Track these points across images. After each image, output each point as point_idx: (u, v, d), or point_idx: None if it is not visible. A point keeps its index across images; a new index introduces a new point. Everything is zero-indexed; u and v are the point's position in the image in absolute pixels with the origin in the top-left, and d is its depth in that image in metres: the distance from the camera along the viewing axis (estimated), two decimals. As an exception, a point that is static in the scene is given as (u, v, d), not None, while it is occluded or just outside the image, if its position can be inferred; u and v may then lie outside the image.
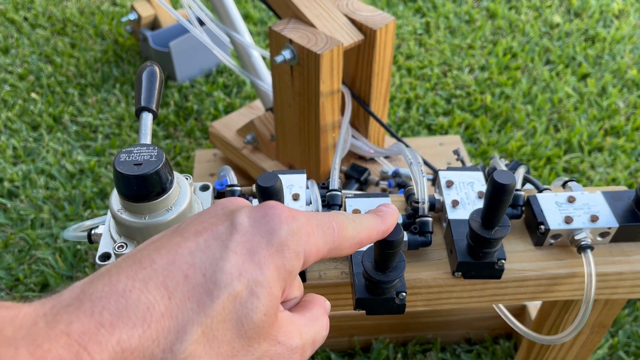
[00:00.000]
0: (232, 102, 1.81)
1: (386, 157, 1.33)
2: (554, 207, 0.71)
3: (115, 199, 0.64)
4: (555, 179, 0.79)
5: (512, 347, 1.20)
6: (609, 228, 0.69)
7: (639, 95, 1.83)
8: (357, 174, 1.24)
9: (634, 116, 1.74)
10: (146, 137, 0.66)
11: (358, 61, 1.17)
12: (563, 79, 1.90)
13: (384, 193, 1.02)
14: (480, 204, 0.71)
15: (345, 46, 1.09)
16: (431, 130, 1.73)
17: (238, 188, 0.73)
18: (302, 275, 0.66)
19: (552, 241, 0.71)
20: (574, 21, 2.16)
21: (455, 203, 0.71)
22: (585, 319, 0.68)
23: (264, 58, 1.45)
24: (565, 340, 0.71)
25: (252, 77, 1.37)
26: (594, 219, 0.69)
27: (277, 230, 0.37)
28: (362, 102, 1.23)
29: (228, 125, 1.46)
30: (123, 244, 0.63)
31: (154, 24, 1.97)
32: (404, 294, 0.62)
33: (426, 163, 1.12)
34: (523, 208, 0.73)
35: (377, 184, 1.23)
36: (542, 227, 0.69)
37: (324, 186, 0.76)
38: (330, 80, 1.08)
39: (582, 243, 0.68)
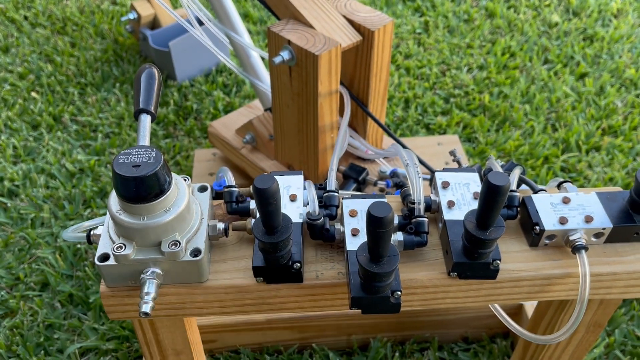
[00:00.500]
0: (231, 102, 1.82)
1: (384, 157, 1.33)
2: (549, 208, 0.71)
3: (114, 200, 0.64)
4: (551, 180, 0.79)
5: (509, 346, 1.21)
6: (604, 229, 0.70)
7: (637, 95, 1.84)
8: (355, 174, 1.25)
9: (632, 115, 1.75)
10: (145, 139, 0.66)
11: (356, 62, 1.18)
12: (561, 79, 1.90)
13: (380, 194, 1.03)
14: (476, 204, 0.71)
15: (344, 47, 1.09)
16: (429, 130, 1.74)
17: (236, 189, 0.74)
18: (299, 276, 0.67)
19: (547, 242, 0.71)
20: (572, 20, 2.16)
21: (451, 204, 0.72)
22: (579, 319, 0.68)
23: (263, 59, 1.45)
24: (560, 340, 0.72)
25: (251, 78, 1.38)
26: (588, 219, 0.70)
27: None
28: (360, 102, 1.23)
29: (227, 125, 1.47)
30: (122, 244, 0.64)
31: (154, 24, 1.98)
32: (399, 292, 0.63)
33: (423, 163, 1.13)
34: (518, 209, 0.74)
35: (375, 184, 1.24)
36: (537, 227, 0.70)
37: (321, 187, 0.77)
38: (329, 81, 1.08)
39: (577, 244, 0.69)
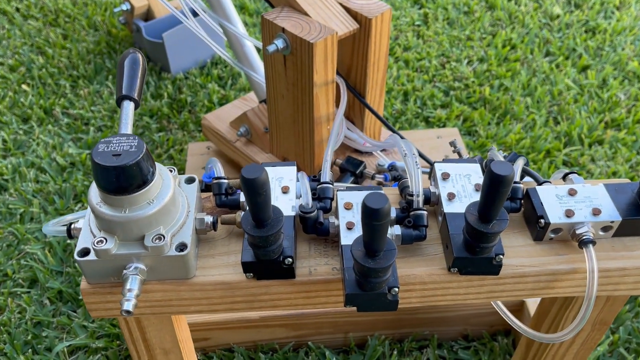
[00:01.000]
0: (226, 94, 1.78)
1: (382, 150, 1.30)
2: (554, 200, 0.68)
3: (94, 192, 0.61)
4: (556, 171, 0.76)
5: (511, 344, 1.18)
6: (612, 222, 0.66)
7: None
8: (352, 167, 1.21)
9: (635, 108, 1.71)
10: (127, 127, 0.63)
11: (353, 51, 1.14)
12: (563, 71, 1.86)
13: (377, 186, 0.99)
14: (477, 197, 0.68)
15: (340, 35, 1.05)
16: (429, 123, 1.70)
17: (225, 181, 0.70)
18: (292, 272, 0.64)
19: (552, 236, 0.68)
20: (574, 12, 2.12)
21: (451, 196, 0.68)
22: (586, 317, 0.65)
23: (258, 50, 1.42)
24: (565, 339, 0.69)
25: (245, 69, 1.34)
26: (596, 212, 0.66)
27: None
28: (357, 93, 1.19)
29: (221, 118, 1.43)
30: (103, 239, 0.60)
31: (147, 15, 1.94)
32: (397, 289, 0.59)
33: (422, 156, 1.09)
34: (522, 201, 0.70)
35: (372, 177, 1.20)
36: (542, 221, 0.66)
37: (315, 179, 0.73)
38: (325, 70, 1.04)
39: (584, 237, 0.65)
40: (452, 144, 0.85)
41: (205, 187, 0.78)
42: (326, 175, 0.72)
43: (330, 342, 1.19)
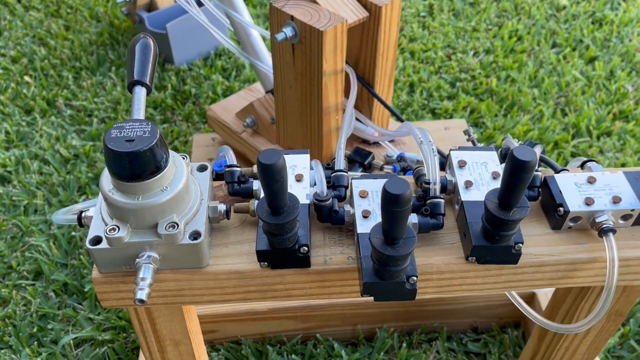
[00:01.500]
0: (231, 86, 1.77)
1: (391, 141, 1.28)
2: (573, 188, 0.67)
3: (106, 179, 0.59)
4: (573, 159, 0.75)
5: (521, 336, 1.17)
6: (632, 210, 0.65)
7: (648, 79, 1.79)
8: (360, 158, 1.20)
9: (644, 100, 1.70)
10: (139, 112, 0.61)
11: (362, 40, 1.13)
12: (570, 62, 1.85)
13: (393, 174, 0.98)
14: (495, 184, 0.67)
15: (350, 23, 1.04)
16: (435, 115, 1.69)
17: (238, 168, 0.69)
18: (307, 260, 0.62)
19: (571, 224, 0.67)
20: (580, 3, 2.10)
21: (468, 184, 0.67)
22: (606, 307, 0.64)
23: (264, 39, 1.40)
24: (583, 329, 0.68)
25: (252, 59, 1.32)
26: (616, 200, 0.65)
27: None
28: (366, 83, 1.18)
29: (227, 109, 1.41)
30: (115, 226, 0.59)
31: (151, 6, 1.92)
32: (415, 278, 0.58)
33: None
34: (540, 189, 0.69)
35: (381, 168, 1.19)
36: (561, 209, 0.65)
37: (328, 167, 0.72)
38: (334, 59, 1.03)
39: (604, 226, 0.64)
40: (467, 132, 0.83)
41: (216, 176, 0.77)
42: (340, 163, 0.70)
43: (339, 334, 1.18)
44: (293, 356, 1.14)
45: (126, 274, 0.62)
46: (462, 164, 0.69)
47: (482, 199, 0.63)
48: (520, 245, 0.62)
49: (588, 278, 0.67)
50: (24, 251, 1.33)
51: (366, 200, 0.65)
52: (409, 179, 0.74)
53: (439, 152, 1.11)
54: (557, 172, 0.71)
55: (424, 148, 0.70)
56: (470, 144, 0.90)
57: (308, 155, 0.71)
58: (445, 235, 0.67)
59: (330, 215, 0.65)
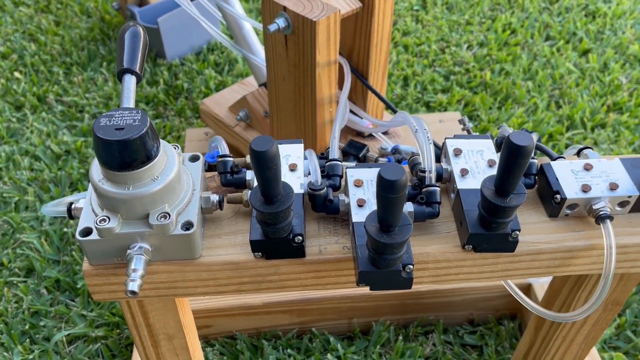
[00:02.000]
0: (223, 80, 1.75)
1: (385, 134, 1.28)
2: (569, 175, 0.66)
3: (96, 169, 0.58)
4: (569, 147, 0.74)
5: (517, 328, 1.16)
6: (629, 197, 0.65)
7: (641, 71, 1.79)
8: (355, 151, 1.19)
9: (637, 92, 1.70)
10: (129, 101, 0.60)
11: (356, 31, 1.12)
12: (564, 55, 1.85)
13: (388, 162, 0.97)
14: (491, 172, 0.66)
15: (343, 14, 1.03)
16: (430, 108, 1.68)
17: (230, 159, 0.68)
18: (302, 250, 0.61)
19: (568, 212, 0.66)
20: (574, -4, 2.10)
21: (464, 172, 0.66)
22: (604, 295, 0.63)
23: (257, 34, 1.39)
24: (580, 318, 0.67)
25: (244, 51, 1.31)
26: (613, 187, 0.65)
27: None
28: (359, 75, 1.17)
29: (220, 102, 1.40)
30: (105, 217, 0.58)
31: (141, 0, 1.90)
32: (411, 266, 0.57)
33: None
34: (536, 177, 0.68)
35: (376, 160, 1.18)
36: (558, 196, 0.65)
37: (322, 156, 0.71)
38: (327, 50, 1.02)
39: (601, 213, 0.63)
40: (462, 121, 0.82)
41: (209, 168, 0.76)
42: (334, 152, 0.70)
43: (335, 328, 1.17)
44: (289, 350, 1.13)
45: (117, 266, 0.61)
46: (457, 152, 0.68)
47: (478, 186, 0.62)
48: (517, 232, 0.61)
49: (585, 266, 0.66)
50: (15, 248, 1.31)
51: (361, 189, 0.64)
52: (404, 168, 0.73)
53: (434, 144, 1.10)
54: (554, 159, 0.70)
55: (419, 136, 0.69)
56: (465, 134, 0.89)
57: (302, 145, 0.70)
58: (441, 224, 0.66)
59: (324, 205, 0.64)
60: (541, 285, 1.12)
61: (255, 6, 2.07)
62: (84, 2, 2.07)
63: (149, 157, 0.56)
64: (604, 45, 1.88)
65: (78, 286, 1.23)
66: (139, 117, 0.55)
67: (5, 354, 1.13)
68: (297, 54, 1.03)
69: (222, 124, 1.37)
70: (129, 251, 0.59)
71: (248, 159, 0.69)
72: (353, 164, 0.72)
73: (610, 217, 0.63)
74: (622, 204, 0.66)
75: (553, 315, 0.70)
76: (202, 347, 1.13)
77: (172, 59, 1.84)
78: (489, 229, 0.60)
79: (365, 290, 0.61)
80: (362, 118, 1.20)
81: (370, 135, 1.26)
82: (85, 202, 0.62)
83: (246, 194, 0.65)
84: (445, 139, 0.70)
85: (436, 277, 0.66)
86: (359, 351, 1.14)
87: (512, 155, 0.53)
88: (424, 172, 0.66)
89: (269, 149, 0.52)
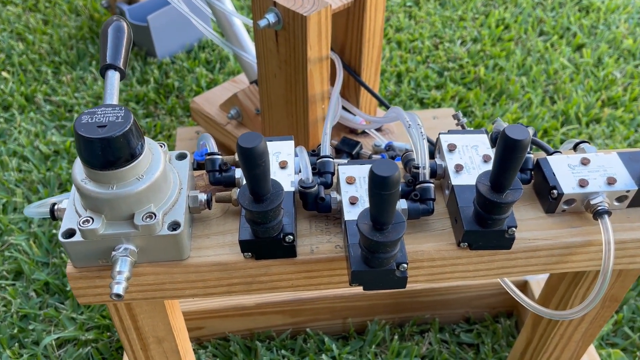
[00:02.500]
0: (215, 79, 1.73)
1: (378, 130, 1.26)
2: (566, 170, 0.65)
3: (78, 168, 0.56)
4: (566, 141, 0.73)
5: (514, 325, 1.15)
6: (627, 191, 0.63)
7: (635, 65, 1.78)
8: (348, 148, 1.17)
9: (632, 86, 1.69)
10: (112, 97, 0.58)
11: (347, 26, 1.10)
12: (558, 50, 1.84)
13: (380, 159, 0.95)
14: (486, 168, 0.64)
15: (334, 8, 1.01)
16: (424, 104, 1.67)
17: (219, 156, 0.66)
18: (292, 250, 0.60)
19: (565, 207, 0.65)
20: (567, -9, 2.09)
21: (459, 168, 0.64)
22: (602, 291, 0.62)
23: (248, 31, 1.37)
24: (578, 316, 0.66)
25: (235, 48, 1.29)
26: (611, 181, 0.63)
27: None
28: (352, 71, 1.15)
29: (210, 100, 1.38)
30: (89, 218, 0.56)
31: (131, -2, 1.88)
32: (405, 265, 0.56)
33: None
34: (532, 172, 0.67)
35: (369, 158, 1.16)
36: (555, 191, 0.63)
37: (314, 153, 0.69)
38: (319, 45, 1.00)
39: (599, 208, 0.62)
40: (456, 116, 0.81)
41: (197, 166, 0.74)
42: (326, 149, 0.68)
43: (329, 328, 1.15)
44: (283, 351, 1.11)
45: (102, 268, 0.59)
46: (452, 148, 0.67)
47: (473, 182, 0.61)
48: (514, 229, 0.59)
49: (583, 262, 0.65)
50: (3, 250, 1.29)
51: (353, 187, 0.63)
52: (398, 164, 0.71)
53: (428, 140, 1.09)
54: (550, 154, 0.69)
55: (413, 132, 0.67)
56: (459, 129, 0.88)
57: (292, 142, 0.68)
58: (435, 222, 0.64)
59: (316, 203, 0.63)
60: (538, 281, 1.11)
61: (246, 3, 2.05)
62: (73, 1, 2.04)
63: (133, 155, 0.54)
64: (597, 40, 1.87)
65: (67, 289, 1.21)
66: (122, 114, 0.53)
67: (-6, 358, 1.11)
68: (288, 50, 1.02)
69: (213, 122, 1.35)
70: (113, 253, 0.57)
71: (237, 156, 0.67)
72: (345, 160, 0.70)
73: (608, 213, 0.62)
74: (620, 199, 0.64)
75: (550, 313, 0.69)
76: (194, 349, 1.11)
77: (162, 57, 1.82)
78: (484, 225, 0.59)
79: (359, 289, 0.60)
80: (354, 115, 1.18)
81: (364, 133, 1.25)
82: (68, 202, 0.60)
83: (235, 192, 0.63)
84: (439, 134, 0.69)
85: (431, 276, 0.64)
86: (354, 351, 1.12)
87: (507, 150, 0.52)
88: (417, 168, 0.64)
89: (256, 145, 0.50)
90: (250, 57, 1.28)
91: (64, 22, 1.95)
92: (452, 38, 1.89)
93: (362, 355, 1.11)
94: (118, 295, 0.54)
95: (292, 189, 0.63)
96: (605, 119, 1.59)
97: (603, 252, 0.61)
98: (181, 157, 0.65)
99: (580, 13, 1.99)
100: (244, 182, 0.63)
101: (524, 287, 1.12)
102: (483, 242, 0.61)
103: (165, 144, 0.62)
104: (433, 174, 0.66)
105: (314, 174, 0.65)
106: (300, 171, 0.65)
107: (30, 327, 1.15)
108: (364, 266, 0.55)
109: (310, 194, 0.62)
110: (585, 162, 0.65)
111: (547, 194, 0.64)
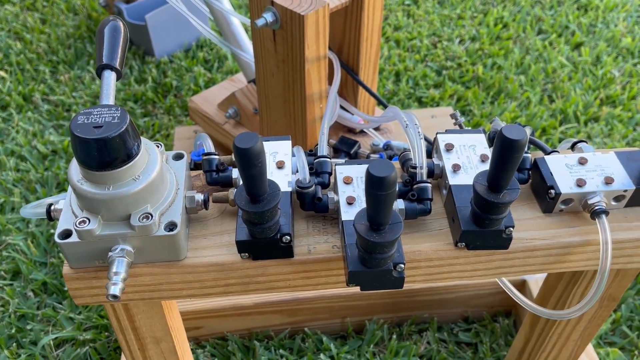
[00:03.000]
0: (213, 78, 1.73)
1: (377, 130, 1.26)
2: (564, 169, 0.65)
3: (74, 169, 0.56)
4: (563, 141, 0.72)
5: (512, 325, 1.15)
6: (625, 191, 0.63)
7: (634, 64, 1.78)
8: (346, 147, 1.17)
9: (630, 85, 1.69)
10: (109, 98, 0.58)
11: (345, 25, 1.10)
12: (556, 49, 1.83)
13: (377, 159, 0.95)
14: (483, 167, 0.64)
15: (332, 7, 1.01)
16: (422, 103, 1.66)
17: (216, 156, 0.66)
18: (290, 250, 0.60)
19: (563, 207, 0.64)
20: (565, -10, 2.09)
21: (456, 167, 0.64)
22: (600, 291, 0.62)
23: (246, 30, 1.37)
24: (576, 315, 0.66)
25: (233, 47, 1.29)
26: (608, 181, 0.63)
27: None
28: (350, 70, 1.15)
29: (209, 100, 1.38)
30: (85, 219, 0.56)
31: (129, -3, 1.87)
32: (402, 265, 0.56)
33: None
34: (530, 172, 0.67)
35: (367, 157, 1.16)
36: (552, 191, 0.63)
37: (311, 153, 0.69)
38: (317, 44, 1.00)
39: (597, 208, 0.62)
40: (453, 115, 0.81)
41: (195, 166, 0.74)
42: (323, 148, 0.68)
43: (328, 327, 1.15)
44: (281, 351, 1.11)
45: (99, 269, 0.59)
46: (449, 147, 0.67)
47: (471, 182, 0.61)
48: (511, 229, 0.59)
49: (581, 262, 0.65)
50: (0, 250, 1.28)
51: (350, 187, 0.63)
52: (395, 164, 0.71)
53: (426, 139, 1.09)
54: (547, 153, 0.69)
55: (410, 131, 0.67)
56: (457, 128, 0.87)
57: (290, 142, 0.68)
58: (433, 221, 0.64)
59: (313, 203, 0.62)
60: (536, 281, 1.11)
61: (244, 2, 2.05)
62: (71, 0, 2.04)
63: (129, 156, 0.54)
64: (596, 39, 1.87)
65: (65, 289, 1.20)
66: (119, 115, 0.53)
67: (-9, 359, 1.10)
68: (286, 49, 1.01)
69: (211, 122, 1.35)
70: (110, 253, 0.57)
71: (234, 156, 0.67)
72: (342, 160, 0.70)
73: (606, 212, 0.62)
74: (618, 199, 0.64)
75: (548, 313, 0.69)
76: (193, 349, 1.11)
77: (160, 56, 1.81)
78: (482, 225, 0.59)
79: (357, 288, 0.60)
80: (353, 114, 1.18)
81: (362, 132, 1.25)
82: (64, 203, 0.59)
83: (232, 192, 0.63)
84: (437, 133, 0.69)
85: (429, 276, 0.64)
86: (352, 350, 1.12)
87: (505, 150, 0.52)
88: (414, 168, 0.64)
89: (252, 145, 0.50)
90: (248, 56, 1.28)
91: (62, 21, 1.94)
92: (450, 37, 1.89)
93: (361, 355, 1.11)
94: (114, 296, 0.54)
95: (290, 189, 0.63)
96: (604, 117, 1.59)
97: (600, 251, 0.61)
98: (178, 157, 0.65)
99: (578, 11, 1.99)
100: (241, 182, 0.63)
101: (522, 286, 1.12)
102: (480, 242, 0.61)
103: (162, 144, 0.62)
104: (430, 173, 0.66)
105: (311, 174, 0.65)
106: (297, 171, 0.64)
107: (28, 327, 1.15)
108: (361, 267, 0.55)
109: (308, 194, 0.62)
110: (582, 161, 0.65)
111: (544, 193, 0.64)
